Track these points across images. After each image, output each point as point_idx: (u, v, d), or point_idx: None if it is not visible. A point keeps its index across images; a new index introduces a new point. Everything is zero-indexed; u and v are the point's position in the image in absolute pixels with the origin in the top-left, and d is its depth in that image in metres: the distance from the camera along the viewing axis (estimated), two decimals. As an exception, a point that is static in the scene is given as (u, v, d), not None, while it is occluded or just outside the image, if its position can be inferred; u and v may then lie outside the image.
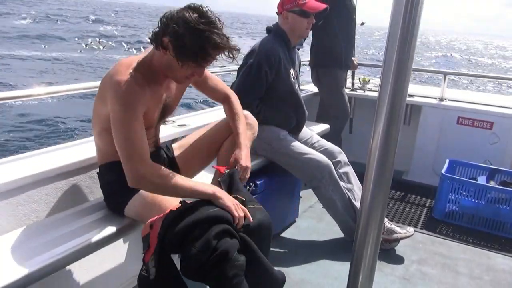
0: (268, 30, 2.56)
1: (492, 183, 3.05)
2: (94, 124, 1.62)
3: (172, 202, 1.49)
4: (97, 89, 1.58)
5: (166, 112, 1.71)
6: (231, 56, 1.49)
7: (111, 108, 1.44)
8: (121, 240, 1.75)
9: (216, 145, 1.89)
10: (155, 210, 1.48)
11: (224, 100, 1.91)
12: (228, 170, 1.66)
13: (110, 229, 1.53)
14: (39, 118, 8.54)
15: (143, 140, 1.45)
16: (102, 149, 1.65)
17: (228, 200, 1.45)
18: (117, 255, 1.97)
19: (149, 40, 1.50)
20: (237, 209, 1.43)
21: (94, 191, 1.93)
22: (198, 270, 1.31)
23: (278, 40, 2.47)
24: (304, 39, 3.15)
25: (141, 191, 1.56)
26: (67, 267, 1.44)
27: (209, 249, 1.30)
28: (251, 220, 1.46)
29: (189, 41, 1.38)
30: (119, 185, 1.58)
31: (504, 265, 2.46)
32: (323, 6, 2.45)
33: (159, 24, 1.45)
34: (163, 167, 1.45)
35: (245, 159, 1.75)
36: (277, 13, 2.51)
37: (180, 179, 1.45)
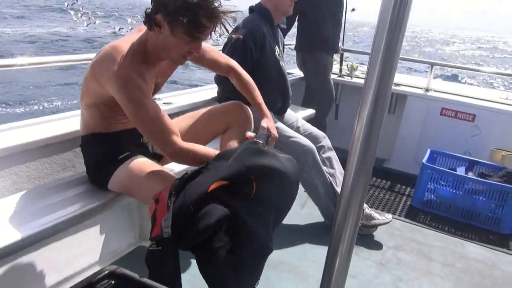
0: (251, 9, 2.55)
1: (471, 174, 3.12)
2: (83, 96, 1.59)
3: (161, 173, 1.52)
4: (85, 61, 1.56)
5: (155, 91, 1.70)
6: (225, 27, 1.45)
7: (120, 102, 1.43)
8: (101, 216, 1.75)
9: (212, 135, 1.93)
10: (142, 181, 1.49)
11: (229, 71, 1.91)
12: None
13: (93, 203, 1.53)
14: (22, 89, 8.40)
15: (165, 121, 1.47)
16: (87, 121, 1.63)
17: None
18: (96, 231, 1.97)
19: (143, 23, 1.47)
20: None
21: (76, 165, 1.91)
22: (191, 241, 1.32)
23: (262, 18, 2.46)
24: (287, 22, 3.15)
25: (126, 163, 1.56)
26: (46, 241, 1.44)
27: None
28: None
29: (182, 13, 1.35)
30: (102, 157, 1.59)
31: (477, 254, 2.53)
32: None
33: (152, 4, 1.43)
34: (190, 144, 1.52)
35: (274, 129, 1.91)
36: None
37: (210, 151, 1.54)
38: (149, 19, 1.43)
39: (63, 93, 8.75)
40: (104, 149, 1.60)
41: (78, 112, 2.06)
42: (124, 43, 1.48)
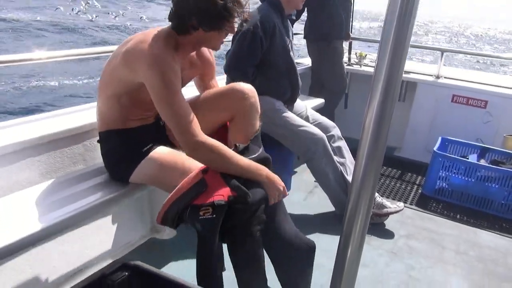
0: None
1: (483, 162, 3.08)
2: (105, 87, 1.60)
3: (192, 160, 1.50)
4: (101, 54, 1.57)
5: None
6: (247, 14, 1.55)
7: (150, 83, 1.43)
8: (114, 208, 1.76)
9: (214, 126, 1.82)
10: (176, 169, 1.50)
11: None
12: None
13: (105, 196, 1.55)
14: (39, 83, 8.49)
15: (190, 111, 1.45)
16: (107, 115, 1.64)
17: (278, 184, 1.54)
18: (109, 223, 2.00)
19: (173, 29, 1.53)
20: (280, 193, 1.56)
21: (86, 159, 1.93)
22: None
23: (273, 9, 2.46)
24: (296, 12, 3.19)
25: (152, 154, 1.57)
26: (60, 234, 1.46)
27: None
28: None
29: (214, 10, 1.44)
30: (124, 151, 1.61)
31: (490, 242, 2.51)
32: None
33: (176, 10, 1.49)
34: (215, 140, 1.46)
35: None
36: None
37: (233, 154, 1.47)
38: (183, 25, 1.50)
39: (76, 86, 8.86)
40: (125, 144, 1.61)
41: (85, 106, 2.08)
42: (155, 31, 1.52)
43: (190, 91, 2.52)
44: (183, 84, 1.73)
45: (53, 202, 1.49)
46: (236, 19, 1.53)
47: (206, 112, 1.72)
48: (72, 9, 20.04)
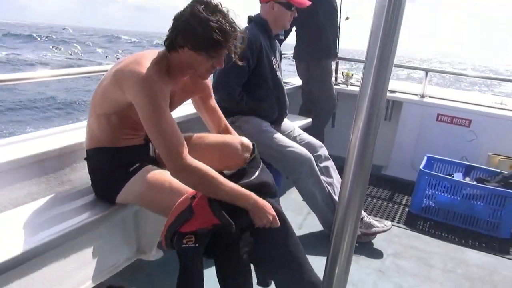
0: (250, 19, 2.57)
1: (468, 180, 3.12)
2: (96, 106, 1.59)
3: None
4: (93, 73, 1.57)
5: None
6: (240, 44, 1.55)
7: (138, 103, 1.42)
8: (99, 229, 1.73)
9: (226, 164, 1.75)
10: (163, 190, 1.48)
11: (223, 127, 1.94)
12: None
13: (91, 216, 1.52)
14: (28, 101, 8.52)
15: (178, 133, 1.43)
16: (96, 134, 1.63)
17: (265, 212, 1.48)
18: (94, 245, 1.96)
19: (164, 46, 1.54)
20: (272, 221, 1.50)
21: (72, 179, 1.90)
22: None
23: (260, 29, 2.50)
24: (284, 32, 3.25)
25: (140, 174, 1.55)
26: (44, 256, 1.43)
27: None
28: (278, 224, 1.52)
29: (201, 30, 1.43)
30: (111, 170, 1.59)
31: (477, 259, 2.52)
32: (308, 2, 2.53)
33: (170, 27, 1.50)
34: (202, 164, 1.43)
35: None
36: (261, 1, 2.53)
37: (220, 179, 1.43)
38: (171, 42, 1.50)
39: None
40: (112, 162, 1.60)
41: (72, 126, 2.06)
42: (148, 54, 1.52)
43: (186, 108, 2.52)
44: (174, 107, 1.74)
45: (38, 224, 1.46)
46: (227, 49, 1.53)
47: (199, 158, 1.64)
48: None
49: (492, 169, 3.19)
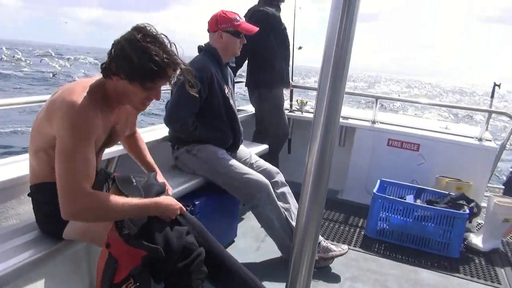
0: (200, 49, 2.60)
1: (419, 202, 3.23)
2: (33, 140, 1.52)
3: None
4: (39, 103, 1.52)
5: (112, 140, 1.65)
6: (180, 75, 1.50)
7: (59, 133, 1.34)
8: (49, 266, 1.64)
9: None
10: (98, 225, 1.44)
11: (134, 134, 1.98)
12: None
13: (39, 252, 1.44)
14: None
15: (88, 174, 1.35)
16: (35, 169, 1.56)
17: (168, 206, 1.52)
18: (44, 282, 1.86)
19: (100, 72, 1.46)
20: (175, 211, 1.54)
21: (20, 213, 1.81)
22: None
23: (210, 58, 2.52)
24: (237, 60, 3.27)
25: None
26: None
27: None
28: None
29: (137, 59, 1.35)
30: (54, 206, 1.50)
31: (430, 279, 2.60)
32: (255, 28, 2.57)
33: (107, 53, 1.42)
34: (101, 197, 1.37)
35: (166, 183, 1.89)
36: (209, 31, 2.55)
37: (115, 203, 1.38)
38: (105, 68, 1.42)
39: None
40: (54, 198, 1.50)
41: (20, 157, 1.97)
42: (83, 82, 1.46)
43: (145, 136, 2.46)
44: (115, 140, 1.70)
45: None
46: (164, 81, 1.46)
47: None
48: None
49: (441, 191, 3.33)
